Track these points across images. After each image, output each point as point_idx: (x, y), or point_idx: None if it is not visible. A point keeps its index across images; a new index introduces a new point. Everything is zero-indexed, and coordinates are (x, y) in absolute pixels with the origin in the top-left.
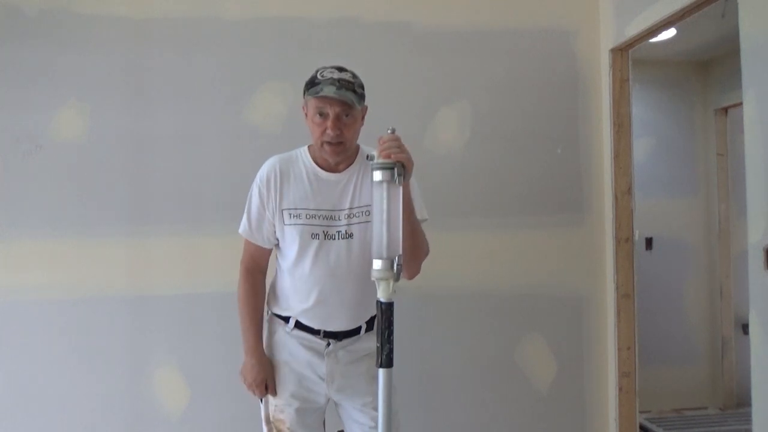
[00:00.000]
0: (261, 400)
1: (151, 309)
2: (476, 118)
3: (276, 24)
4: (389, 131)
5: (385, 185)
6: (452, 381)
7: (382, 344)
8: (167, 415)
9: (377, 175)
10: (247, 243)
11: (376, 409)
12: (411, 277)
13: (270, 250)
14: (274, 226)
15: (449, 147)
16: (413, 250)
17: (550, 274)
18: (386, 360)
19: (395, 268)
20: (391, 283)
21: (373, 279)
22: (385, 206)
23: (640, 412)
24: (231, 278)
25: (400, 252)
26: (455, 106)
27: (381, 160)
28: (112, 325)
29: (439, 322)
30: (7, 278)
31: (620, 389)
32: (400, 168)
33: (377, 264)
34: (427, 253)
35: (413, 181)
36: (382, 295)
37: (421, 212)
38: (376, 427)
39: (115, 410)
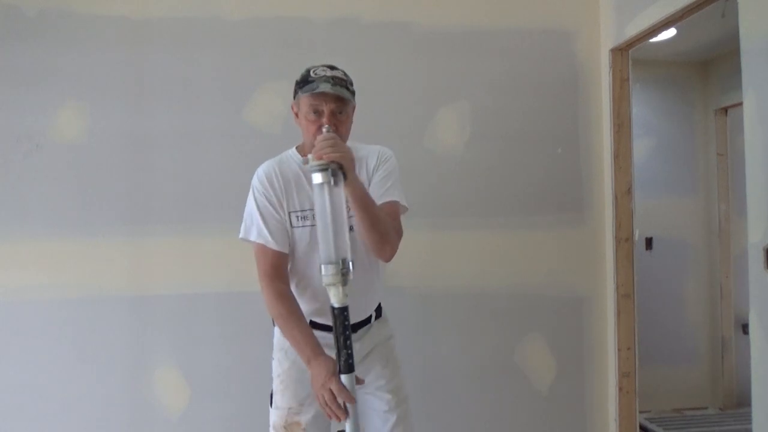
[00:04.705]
0: (271, 404)
1: (151, 309)
2: (476, 118)
3: (276, 24)
4: (325, 130)
5: (325, 187)
6: (452, 381)
7: (339, 350)
8: (167, 415)
9: (316, 178)
10: (264, 252)
11: (388, 392)
12: (388, 259)
13: (288, 255)
14: (287, 227)
15: (449, 147)
16: (379, 241)
17: (550, 274)
18: (345, 366)
19: (343, 271)
20: (341, 288)
21: (324, 285)
22: (328, 209)
23: (640, 412)
24: (231, 278)
25: (348, 255)
26: (455, 106)
27: (315, 162)
28: (112, 325)
29: (439, 322)
30: (7, 278)
31: (620, 389)
32: (336, 168)
33: (326, 269)
34: (399, 235)
35: (392, 167)
36: (334, 300)
37: (398, 198)
38: (389, 411)
39: (115, 410)
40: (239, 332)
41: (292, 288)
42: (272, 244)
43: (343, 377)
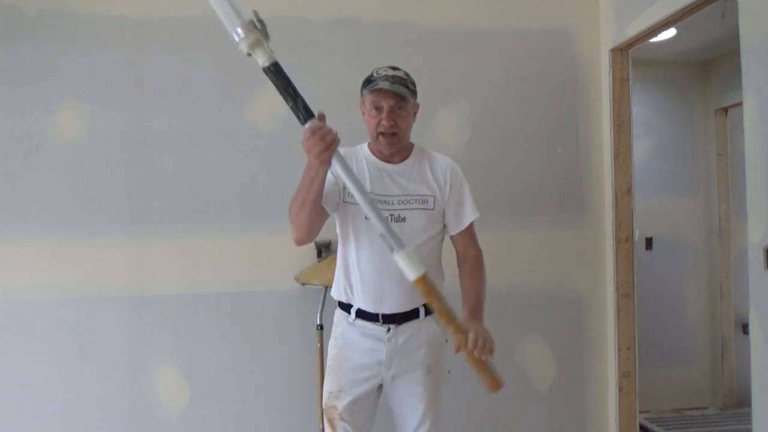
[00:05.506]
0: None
1: (151, 309)
2: (476, 118)
3: (276, 24)
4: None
5: None
6: (452, 381)
7: (295, 103)
8: (167, 415)
9: None
10: None
11: (422, 400)
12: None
13: (327, 216)
14: (340, 192)
15: (449, 147)
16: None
17: (550, 274)
18: (305, 112)
19: (259, 26)
20: (264, 43)
21: (242, 50)
22: None
23: (640, 412)
24: (230, 278)
25: (257, 12)
26: (455, 106)
27: None
28: (112, 325)
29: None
30: (7, 278)
31: (620, 389)
32: None
33: (238, 33)
34: (480, 254)
35: (460, 183)
36: (263, 60)
37: (472, 216)
38: (421, 420)
39: (115, 410)
40: (239, 332)
41: (343, 267)
42: None
43: (309, 123)
